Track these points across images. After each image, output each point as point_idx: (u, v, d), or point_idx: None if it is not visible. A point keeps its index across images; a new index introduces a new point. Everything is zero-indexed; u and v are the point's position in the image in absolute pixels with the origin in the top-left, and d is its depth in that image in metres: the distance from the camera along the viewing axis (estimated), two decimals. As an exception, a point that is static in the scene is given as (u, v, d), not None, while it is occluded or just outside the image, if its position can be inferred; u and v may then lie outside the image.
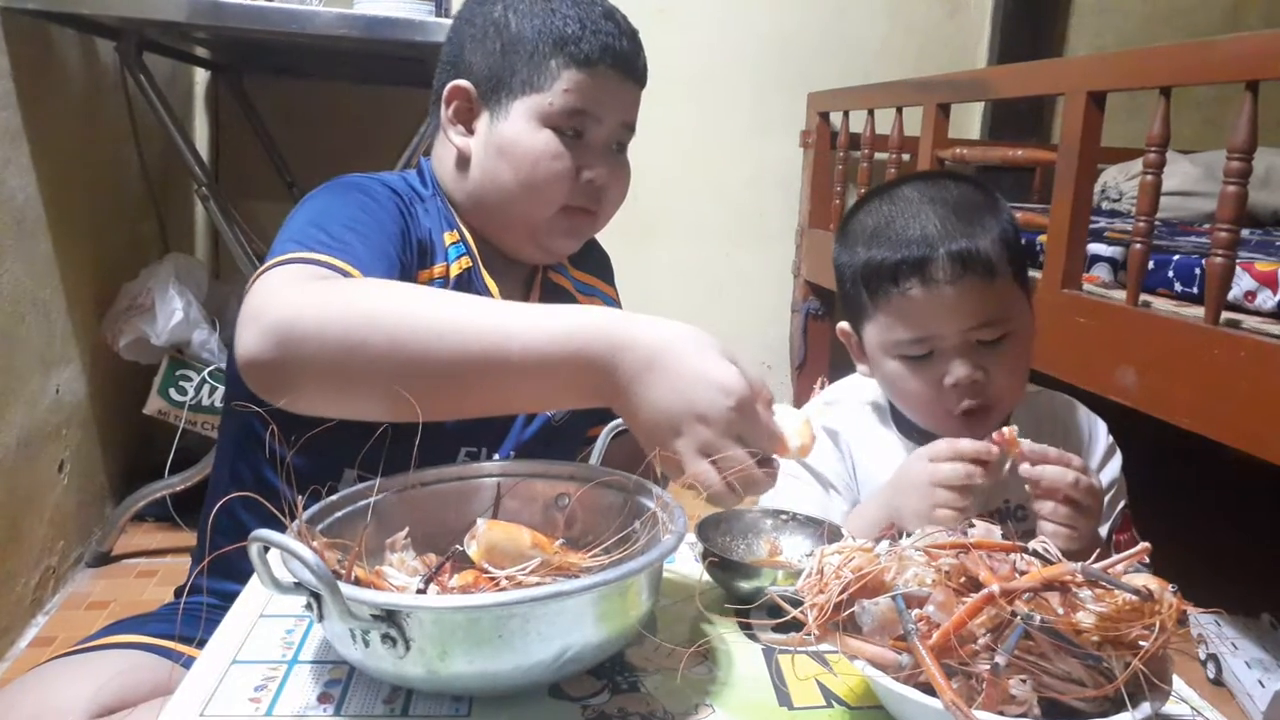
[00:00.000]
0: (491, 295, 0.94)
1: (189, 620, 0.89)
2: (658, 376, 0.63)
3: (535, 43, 0.91)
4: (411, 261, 0.89)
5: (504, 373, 0.65)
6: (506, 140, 0.92)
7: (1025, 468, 0.80)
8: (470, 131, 0.95)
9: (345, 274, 0.74)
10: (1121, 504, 0.98)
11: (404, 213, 0.91)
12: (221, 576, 0.88)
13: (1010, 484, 0.94)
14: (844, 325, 0.98)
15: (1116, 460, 1.00)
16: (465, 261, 0.95)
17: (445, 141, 0.97)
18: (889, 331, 0.89)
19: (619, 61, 0.92)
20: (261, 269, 0.75)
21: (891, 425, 0.99)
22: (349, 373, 0.67)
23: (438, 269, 0.93)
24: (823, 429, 0.99)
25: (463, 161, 0.95)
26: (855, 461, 0.98)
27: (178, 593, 1.05)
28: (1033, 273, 1.41)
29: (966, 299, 0.86)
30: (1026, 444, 0.81)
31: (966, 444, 0.81)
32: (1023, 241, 0.94)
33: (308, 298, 0.68)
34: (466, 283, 0.94)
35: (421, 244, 0.91)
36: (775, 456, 0.66)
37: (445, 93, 0.95)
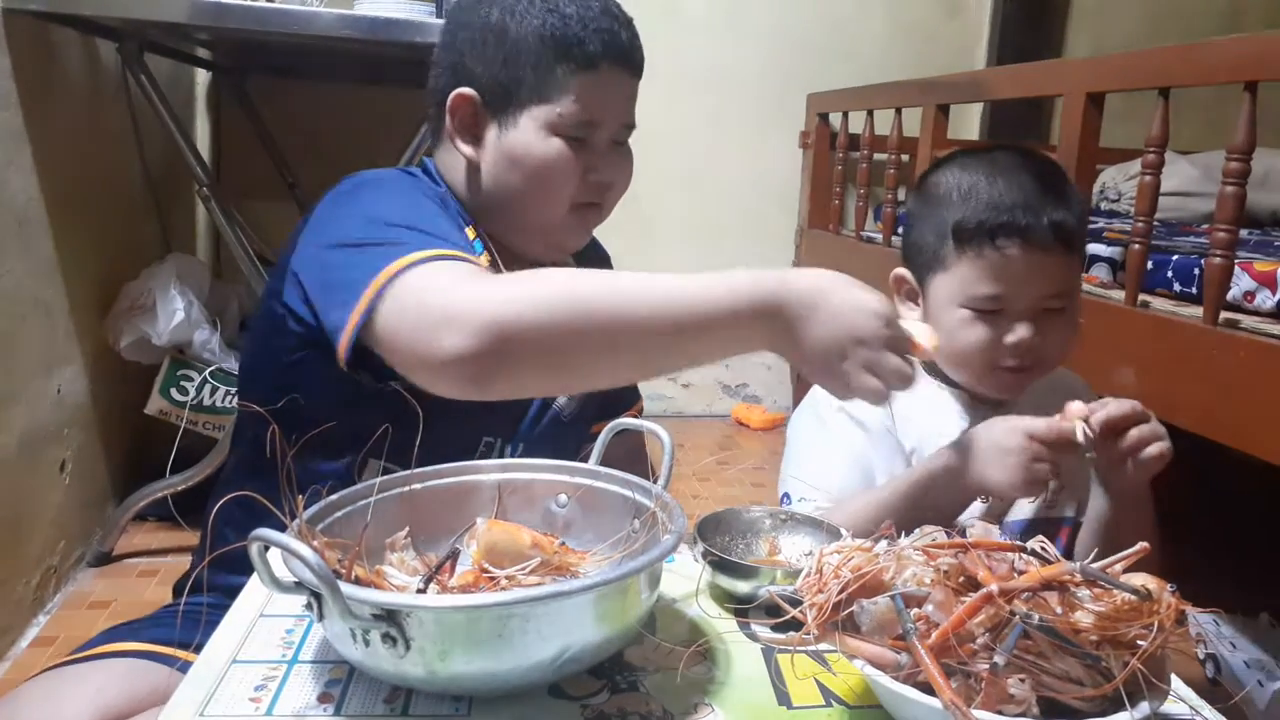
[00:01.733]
0: None
1: (188, 623, 0.89)
2: (820, 314, 0.73)
3: (538, 50, 0.90)
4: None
5: (698, 333, 0.74)
6: (518, 151, 0.92)
7: (1094, 418, 0.84)
8: (477, 140, 0.94)
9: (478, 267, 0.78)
10: None
11: (443, 204, 0.94)
12: (226, 570, 0.88)
13: None
14: (902, 271, 1.01)
15: None
16: (485, 258, 0.95)
17: (451, 149, 0.96)
18: (969, 285, 0.93)
19: (620, 56, 0.92)
20: (391, 268, 0.75)
21: (930, 374, 1.01)
22: (565, 356, 0.71)
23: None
24: None
25: (473, 169, 0.95)
26: (893, 407, 0.99)
27: (177, 589, 1.04)
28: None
29: (1053, 267, 0.91)
30: (1079, 408, 0.85)
31: (1041, 429, 0.85)
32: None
33: (513, 292, 0.72)
34: None
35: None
36: (913, 357, 0.77)
37: (450, 101, 0.93)
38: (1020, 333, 0.92)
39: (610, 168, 0.95)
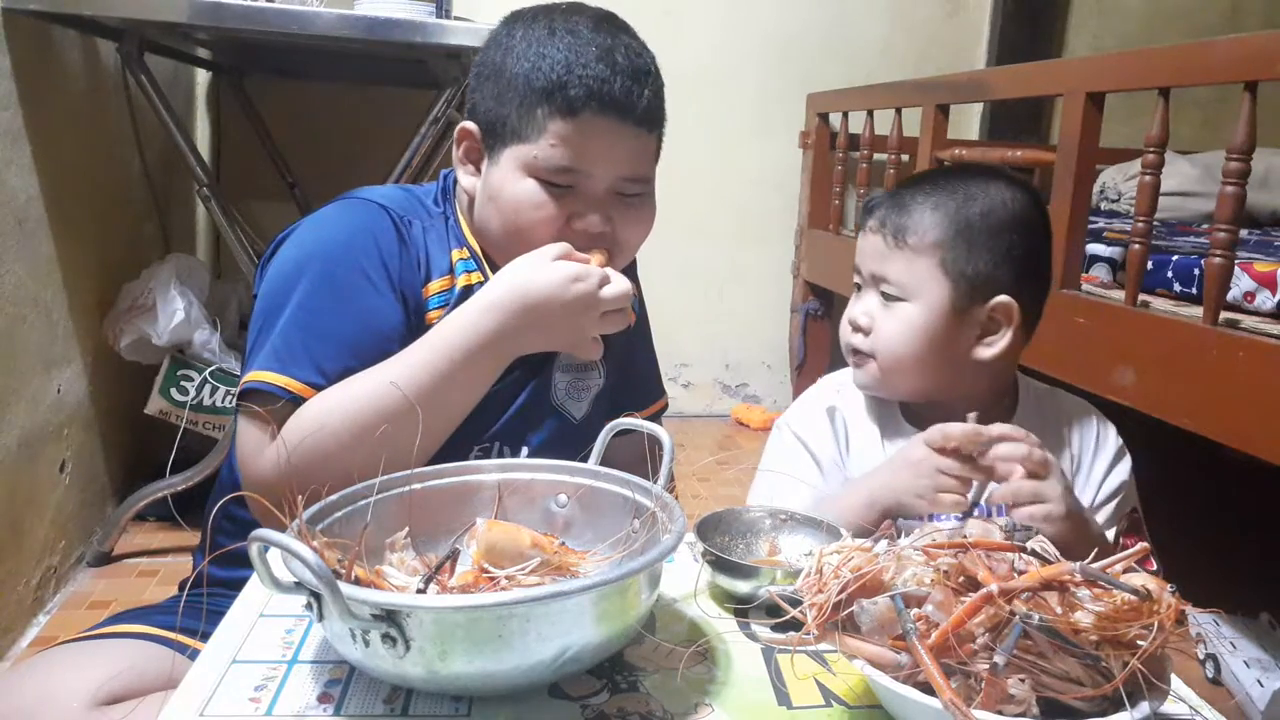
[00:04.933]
0: None
1: (196, 613, 0.90)
2: (539, 310, 0.88)
3: (524, 90, 0.89)
4: (415, 279, 0.94)
5: (452, 381, 0.87)
6: (494, 187, 0.93)
7: (990, 453, 0.84)
8: (478, 173, 0.96)
9: (300, 398, 0.85)
10: (1129, 509, 0.98)
11: (398, 235, 0.93)
12: (232, 567, 0.89)
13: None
14: None
15: (1125, 464, 1.00)
16: (475, 276, 0.97)
17: (459, 183, 0.99)
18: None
19: (609, 105, 0.89)
20: (243, 385, 0.87)
21: (899, 413, 1.01)
22: (350, 464, 0.73)
23: (438, 283, 0.95)
24: (828, 410, 1.02)
25: (472, 198, 0.98)
26: (850, 442, 1.00)
27: (183, 585, 1.05)
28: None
29: (875, 247, 0.97)
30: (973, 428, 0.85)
31: (955, 429, 0.85)
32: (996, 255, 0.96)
33: (289, 466, 0.82)
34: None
35: (419, 261, 0.94)
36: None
37: (456, 132, 0.96)
38: (850, 310, 0.99)
39: (601, 218, 0.92)
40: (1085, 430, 1.01)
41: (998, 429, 0.84)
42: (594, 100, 0.88)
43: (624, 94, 0.89)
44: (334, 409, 0.84)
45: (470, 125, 0.95)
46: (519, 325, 0.87)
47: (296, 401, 0.85)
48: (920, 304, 0.94)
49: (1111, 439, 1.01)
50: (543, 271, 0.87)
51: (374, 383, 0.85)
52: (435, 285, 0.95)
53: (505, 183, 0.91)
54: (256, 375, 0.86)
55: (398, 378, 0.84)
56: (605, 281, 0.90)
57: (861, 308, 0.98)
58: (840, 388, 1.04)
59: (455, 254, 0.97)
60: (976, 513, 0.93)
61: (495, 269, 0.97)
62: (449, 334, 0.87)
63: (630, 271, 1.14)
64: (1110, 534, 0.96)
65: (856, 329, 0.98)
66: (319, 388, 0.85)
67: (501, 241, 0.94)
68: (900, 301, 0.95)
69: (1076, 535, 0.81)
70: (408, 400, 0.82)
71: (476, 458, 0.93)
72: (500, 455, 0.95)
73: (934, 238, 0.93)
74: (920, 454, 0.86)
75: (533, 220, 0.91)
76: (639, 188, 0.95)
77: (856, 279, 1.00)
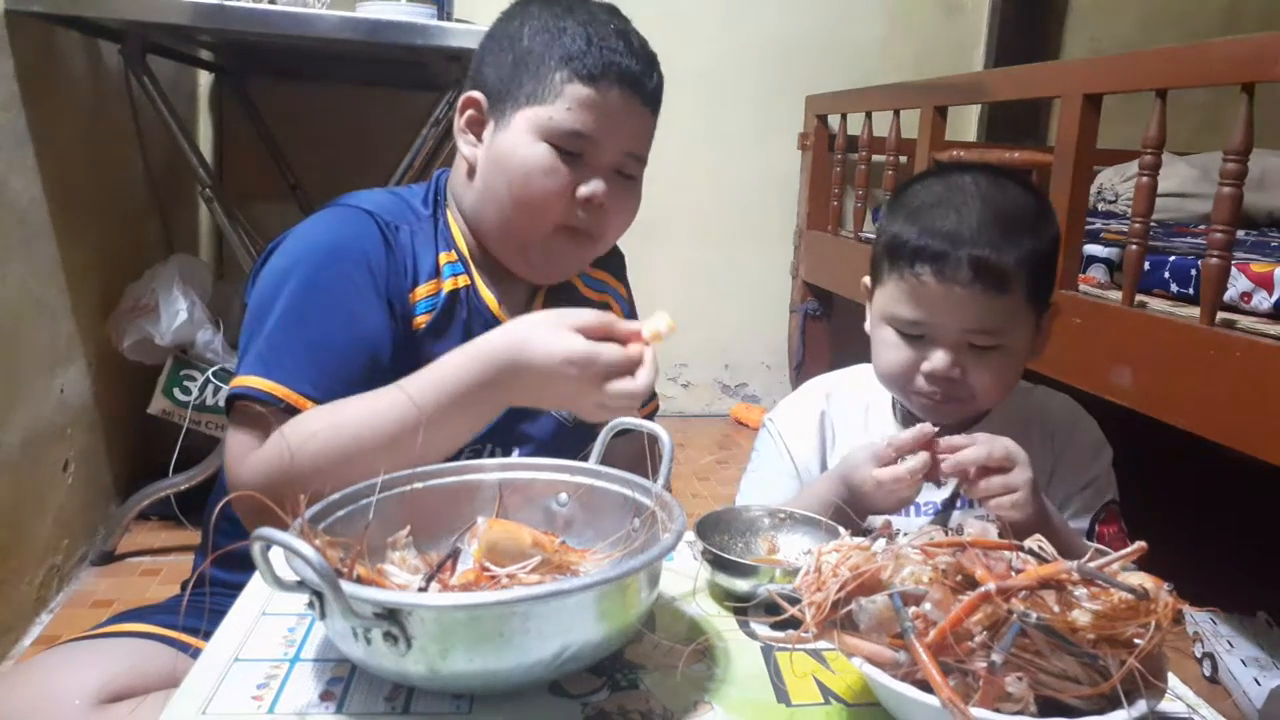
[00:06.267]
0: (489, 309, 0.98)
1: (197, 612, 0.90)
2: (526, 376, 0.80)
3: (543, 55, 0.91)
4: (402, 284, 0.93)
5: (441, 420, 0.81)
6: (504, 150, 0.92)
7: (946, 461, 0.84)
8: (479, 142, 0.96)
9: (295, 408, 0.84)
10: (1108, 498, 0.99)
11: (385, 242, 0.93)
12: (232, 568, 0.89)
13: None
14: (866, 280, 1.01)
15: (1105, 456, 1.01)
16: (463, 279, 0.97)
17: (459, 152, 0.98)
18: (894, 304, 0.93)
19: (625, 79, 0.92)
20: (229, 387, 0.87)
21: (889, 416, 1.01)
22: (346, 472, 0.72)
23: (425, 288, 0.95)
24: (817, 414, 1.03)
25: (470, 172, 0.97)
26: (836, 447, 1.01)
27: (184, 585, 1.06)
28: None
29: (973, 303, 0.88)
30: (941, 442, 0.85)
31: (905, 437, 0.85)
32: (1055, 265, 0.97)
33: (268, 474, 0.81)
34: (464, 299, 0.97)
35: (406, 266, 0.94)
36: (646, 352, 0.79)
37: (460, 103, 0.97)
38: (934, 362, 0.90)
39: (604, 186, 0.93)
40: (1064, 424, 1.02)
41: (946, 442, 0.84)
42: (612, 71, 0.91)
43: (639, 73, 0.93)
44: (317, 434, 0.81)
45: (476, 94, 0.95)
46: (505, 383, 0.81)
47: (282, 406, 0.84)
48: (1013, 343, 0.91)
49: (1091, 431, 1.03)
50: (543, 339, 0.79)
51: (360, 411, 0.82)
52: (422, 290, 0.94)
53: (518, 146, 0.91)
54: (242, 380, 0.86)
55: (386, 408, 0.81)
56: (616, 374, 0.78)
57: (945, 359, 0.90)
58: (830, 393, 1.04)
59: (443, 257, 0.96)
60: (959, 504, 0.95)
61: (484, 268, 0.98)
62: (442, 372, 0.83)
63: (620, 272, 1.15)
64: (1085, 521, 0.97)
65: (949, 380, 0.90)
66: (304, 393, 0.85)
67: (507, 210, 0.93)
68: (995, 349, 0.90)
69: (1040, 519, 0.83)
70: (394, 433, 0.80)
71: (468, 458, 0.94)
72: (492, 457, 0.95)
73: (1019, 273, 0.89)
74: (864, 475, 0.85)
75: (544, 187, 0.91)
76: (636, 168, 0.97)
77: (914, 329, 0.91)
